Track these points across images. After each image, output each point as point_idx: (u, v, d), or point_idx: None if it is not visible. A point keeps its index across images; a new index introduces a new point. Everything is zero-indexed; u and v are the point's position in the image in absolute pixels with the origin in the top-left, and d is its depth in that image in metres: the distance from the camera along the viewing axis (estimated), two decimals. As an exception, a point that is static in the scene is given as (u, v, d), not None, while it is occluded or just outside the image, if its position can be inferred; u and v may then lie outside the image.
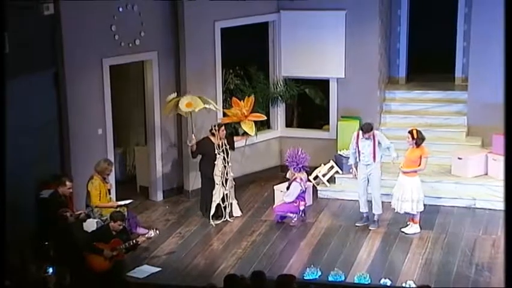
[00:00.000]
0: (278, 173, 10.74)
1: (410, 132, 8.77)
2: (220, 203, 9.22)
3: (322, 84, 10.79)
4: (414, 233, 8.73)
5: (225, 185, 9.19)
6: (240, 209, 9.49)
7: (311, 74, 10.70)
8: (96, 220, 8.27)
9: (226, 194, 9.24)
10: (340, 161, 10.19)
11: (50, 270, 7.10)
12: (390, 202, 8.98)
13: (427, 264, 8.05)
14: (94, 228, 8.12)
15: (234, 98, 9.71)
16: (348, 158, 10.24)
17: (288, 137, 10.78)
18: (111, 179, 9.00)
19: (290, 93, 10.80)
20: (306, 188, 9.26)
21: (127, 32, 9.25)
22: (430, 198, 9.54)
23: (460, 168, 9.86)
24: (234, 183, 9.36)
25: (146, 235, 7.95)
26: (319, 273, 7.74)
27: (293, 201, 9.07)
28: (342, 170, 10.16)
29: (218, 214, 9.27)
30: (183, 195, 10.20)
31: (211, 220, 9.19)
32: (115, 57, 9.21)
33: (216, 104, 10.12)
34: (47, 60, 8.52)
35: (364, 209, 9.08)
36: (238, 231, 9.07)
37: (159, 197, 10.10)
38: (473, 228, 8.87)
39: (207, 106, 9.22)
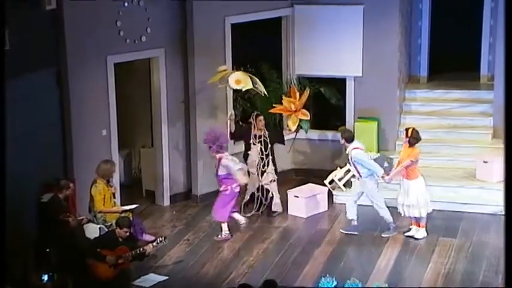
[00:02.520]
0: (292, 177, 10.76)
1: (406, 130, 8.85)
2: (255, 192, 9.48)
3: (339, 83, 10.76)
4: (422, 238, 8.75)
5: (260, 177, 9.36)
6: (282, 206, 9.64)
7: (326, 72, 10.69)
8: (99, 226, 8.32)
9: (262, 186, 9.43)
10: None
11: (45, 277, 7.13)
12: (396, 208, 9.03)
13: (450, 273, 8.04)
14: (96, 235, 8.16)
15: (293, 87, 9.86)
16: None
17: (302, 139, 10.80)
18: (116, 182, 9.05)
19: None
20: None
21: (133, 28, 9.30)
22: (453, 204, 9.52)
23: (485, 172, 9.83)
24: (275, 177, 9.52)
25: (154, 243, 7.98)
26: (335, 282, 7.73)
27: (224, 187, 8.91)
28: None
29: (252, 205, 9.49)
30: (191, 200, 10.24)
31: (242, 210, 9.38)
32: (120, 54, 9.27)
33: (227, 106, 10.17)
34: (49, 58, 8.60)
35: (351, 215, 9.07)
36: (249, 238, 9.09)
37: (166, 201, 10.14)
38: (499, 236, 8.83)
39: (256, 87, 9.33)
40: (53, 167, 8.69)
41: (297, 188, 9.94)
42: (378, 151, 10.47)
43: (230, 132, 9.58)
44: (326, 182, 10.02)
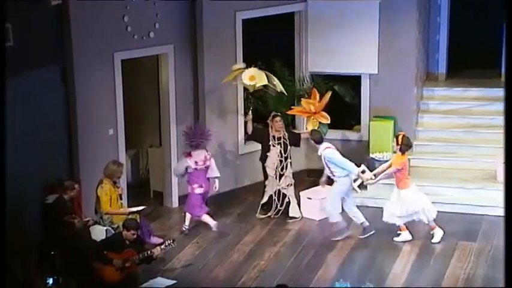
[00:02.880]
0: (304, 178, 10.70)
1: (396, 137, 8.78)
2: (273, 194, 9.46)
3: (353, 81, 10.73)
4: (439, 241, 8.69)
5: (278, 179, 9.37)
6: (300, 211, 9.57)
7: (341, 69, 10.65)
8: (105, 228, 8.30)
9: (279, 190, 9.40)
10: (372, 165, 10.10)
11: (50, 281, 7.12)
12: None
13: (470, 278, 7.97)
14: (103, 237, 8.15)
15: (314, 89, 9.83)
16: (381, 161, 10.18)
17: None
18: (123, 183, 9.03)
19: (317, 90, 10.74)
20: (203, 168, 9.12)
21: (141, 23, 9.28)
22: (472, 207, 9.42)
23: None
24: (293, 181, 9.51)
25: (162, 246, 7.94)
26: (349, 287, 7.68)
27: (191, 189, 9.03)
28: (374, 175, 10.05)
29: (268, 207, 9.51)
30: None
31: (258, 210, 9.35)
32: (127, 50, 9.25)
33: (237, 105, 10.11)
34: (54, 55, 8.59)
35: (360, 219, 9.01)
36: (260, 241, 9.05)
37: (175, 203, 10.11)
38: (521, 240, 8.72)
39: (270, 84, 9.24)
40: (58, 167, 8.68)
41: (310, 190, 9.89)
42: (394, 152, 10.38)
43: (247, 134, 9.48)
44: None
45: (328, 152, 8.94)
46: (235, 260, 8.58)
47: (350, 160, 9.16)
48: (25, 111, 8.12)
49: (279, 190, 9.49)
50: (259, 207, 9.59)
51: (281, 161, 9.35)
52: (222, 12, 9.85)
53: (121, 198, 8.72)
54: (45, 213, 8.01)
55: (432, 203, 9.66)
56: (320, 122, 9.81)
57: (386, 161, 10.08)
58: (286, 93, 9.85)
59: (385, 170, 8.86)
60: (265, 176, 9.56)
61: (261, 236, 9.17)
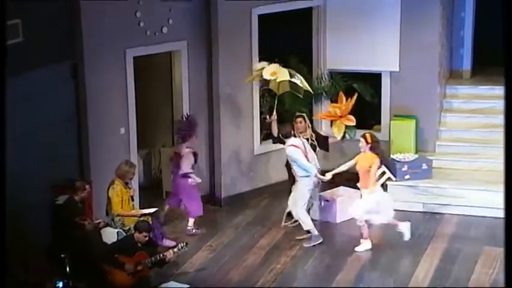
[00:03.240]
0: (322, 179, 10.64)
1: (364, 136, 8.67)
2: None
3: (373, 79, 10.68)
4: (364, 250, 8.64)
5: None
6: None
7: (360, 67, 10.60)
8: (117, 230, 8.29)
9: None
10: (393, 166, 10.05)
11: (60, 284, 7.12)
12: (436, 214, 9.07)
13: (495, 285, 7.86)
14: (114, 239, 8.14)
15: (340, 93, 9.68)
16: (403, 162, 10.09)
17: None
18: (134, 183, 9.02)
19: (336, 88, 10.69)
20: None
21: (153, 19, 9.26)
22: (497, 210, 9.29)
23: (533, 176, 9.60)
24: (320, 183, 9.24)
25: (175, 249, 7.92)
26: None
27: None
28: (395, 176, 10.02)
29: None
30: (214, 203, 10.17)
31: (284, 219, 9.21)
32: (140, 47, 9.24)
33: (253, 103, 10.06)
34: (64, 51, 8.60)
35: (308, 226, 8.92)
36: (277, 244, 9.01)
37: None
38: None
39: (293, 80, 9.09)
40: (68, 167, 8.69)
41: (328, 191, 9.83)
42: (416, 152, 10.33)
43: (273, 136, 9.35)
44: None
45: (289, 150, 8.84)
46: (251, 264, 8.55)
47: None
48: (34, 109, 8.14)
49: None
50: (285, 216, 9.27)
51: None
52: (238, 7, 9.82)
53: (133, 200, 8.71)
54: (55, 215, 8.02)
55: (455, 206, 9.61)
56: (346, 126, 9.58)
57: (408, 162, 10.03)
58: (312, 92, 9.67)
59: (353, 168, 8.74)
60: (292, 181, 9.21)
61: (277, 239, 9.13)
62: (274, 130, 9.37)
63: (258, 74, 9.36)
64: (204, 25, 9.78)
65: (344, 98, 9.63)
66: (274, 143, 9.44)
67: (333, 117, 9.66)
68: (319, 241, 8.89)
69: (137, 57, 9.31)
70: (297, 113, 9.54)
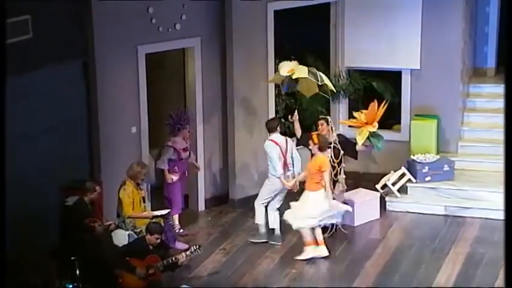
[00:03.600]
0: (339, 180, 10.61)
1: (311, 136, 8.65)
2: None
3: (393, 77, 10.65)
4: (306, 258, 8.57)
5: (332, 187, 8.98)
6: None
7: (380, 64, 10.56)
8: (128, 232, 8.30)
9: (334, 198, 9.00)
10: (413, 168, 10.01)
11: (70, 287, 7.14)
12: (459, 217, 9.01)
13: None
14: (125, 241, 8.15)
15: (373, 103, 9.28)
16: (424, 163, 10.03)
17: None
18: (146, 185, 9.02)
19: (354, 86, 10.67)
20: (183, 158, 9.15)
21: (166, 15, 9.26)
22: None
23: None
24: (345, 187, 9.19)
25: (188, 252, 7.92)
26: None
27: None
28: (415, 178, 9.97)
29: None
30: (228, 204, 10.17)
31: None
32: (152, 44, 9.24)
33: (268, 102, 10.01)
34: (74, 48, 8.61)
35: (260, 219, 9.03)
36: (292, 248, 8.98)
37: (201, 206, 10.09)
38: None
39: (310, 78, 8.88)
40: (78, 167, 8.70)
41: (346, 193, 9.76)
42: (437, 153, 10.26)
43: (296, 137, 9.26)
44: (378, 186, 9.87)
45: (267, 144, 8.88)
46: (265, 268, 8.53)
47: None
48: (43, 108, 8.17)
49: (334, 199, 8.91)
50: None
51: (334, 167, 8.97)
52: (253, 2, 9.80)
53: (144, 201, 8.72)
54: (64, 216, 8.04)
55: (478, 209, 9.53)
56: (372, 134, 9.19)
57: (429, 163, 9.97)
58: (335, 91, 9.52)
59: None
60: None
61: (292, 243, 9.10)
62: (297, 131, 9.29)
63: (278, 76, 9.17)
64: (218, 21, 9.77)
65: (376, 105, 9.18)
66: (297, 145, 9.28)
67: (358, 123, 9.29)
68: (263, 240, 8.94)
69: (149, 54, 9.31)
70: (320, 116, 9.40)
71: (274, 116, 9.67)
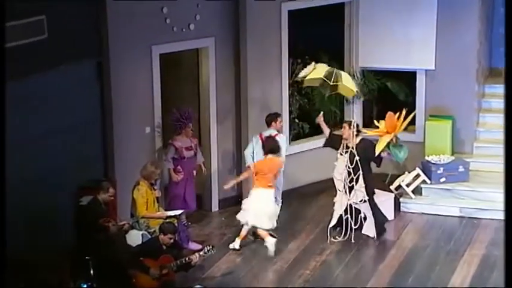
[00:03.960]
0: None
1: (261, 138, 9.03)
2: (343, 214, 9.00)
3: (408, 77, 10.61)
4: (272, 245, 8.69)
5: (348, 193, 8.97)
6: (377, 229, 9.05)
7: (394, 64, 10.53)
8: (142, 232, 8.32)
9: (350, 205, 8.99)
10: (428, 169, 9.97)
11: (84, 286, 7.17)
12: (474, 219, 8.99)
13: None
14: (139, 242, 8.17)
15: (389, 113, 9.08)
16: (438, 164, 9.97)
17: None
18: (160, 185, 9.04)
19: (369, 87, 10.63)
20: (186, 157, 9.19)
21: (180, 15, 9.28)
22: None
23: None
24: (366, 197, 8.96)
25: (201, 253, 7.93)
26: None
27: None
28: (430, 179, 9.93)
29: (340, 228, 9.08)
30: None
31: (328, 234, 9.04)
32: (166, 44, 9.25)
33: (282, 102, 10.00)
34: (89, 48, 8.65)
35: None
36: (306, 249, 8.98)
37: (215, 207, 10.10)
38: None
39: (327, 79, 8.77)
40: (92, 167, 8.74)
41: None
42: (452, 154, 10.21)
43: (326, 139, 9.22)
44: (392, 187, 9.83)
45: (255, 138, 9.12)
46: (279, 269, 8.53)
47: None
48: (57, 108, 8.21)
49: (351, 205, 8.97)
50: (329, 231, 9.05)
51: (349, 173, 8.89)
52: (267, 2, 9.79)
53: (158, 202, 8.73)
54: (79, 216, 8.07)
55: (493, 210, 9.47)
56: (394, 144, 8.97)
57: (444, 164, 9.92)
58: (358, 93, 9.44)
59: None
60: (335, 190, 9.12)
61: (306, 244, 9.10)
62: (325, 131, 9.25)
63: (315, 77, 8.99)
64: (232, 21, 9.78)
65: (393, 115, 9.01)
66: (324, 146, 9.26)
67: (379, 133, 9.09)
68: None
69: (163, 54, 9.33)
70: (345, 119, 9.22)
71: (276, 112, 9.57)
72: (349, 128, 8.97)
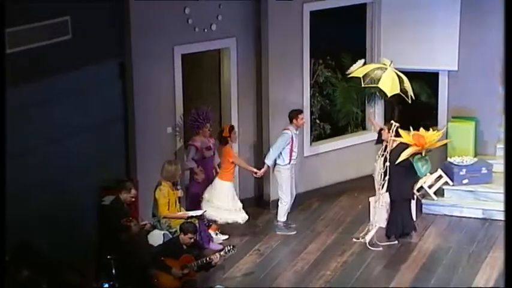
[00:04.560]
0: (373, 183, 10.53)
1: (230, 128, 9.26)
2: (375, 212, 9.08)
3: (430, 78, 10.55)
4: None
5: (380, 194, 8.98)
6: (388, 237, 9.01)
7: (416, 65, 10.46)
8: (163, 232, 8.37)
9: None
10: (450, 170, 9.91)
11: (106, 286, 7.22)
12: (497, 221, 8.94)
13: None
14: (160, 242, 8.21)
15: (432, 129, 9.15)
16: (461, 166, 9.90)
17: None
18: (182, 185, 9.07)
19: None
20: (207, 157, 9.29)
21: (202, 15, 9.32)
22: None
23: None
24: (385, 198, 8.96)
25: (222, 253, 7.95)
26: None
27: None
28: (452, 180, 9.88)
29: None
30: (262, 206, 10.18)
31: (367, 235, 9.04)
32: (188, 44, 9.30)
33: (303, 103, 9.99)
34: (112, 48, 8.71)
35: (285, 217, 9.37)
36: (327, 249, 8.98)
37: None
38: None
39: (363, 81, 8.90)
40: (114, 166, 8.79)
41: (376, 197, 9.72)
42: (475, 155, 10.14)
43: (378, 134, 9.18)
44: (414, 189, 9.77)
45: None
46: (300, 270, 8.53)
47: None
48: (80, 108, 8.27)
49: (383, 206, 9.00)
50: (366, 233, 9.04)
51: (381, 175, 8.88)
52: (289, 3, 9.80)
53: (179, 202, 8.77)
54: (102, 216, 8.13)
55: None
56: (419, 157, 8.83)
57: (466, 165, 9.86)
58: (413, 97, 9.35)
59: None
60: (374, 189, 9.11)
61: (327, 244, 9.10)
62: (376, 128, 9.30)
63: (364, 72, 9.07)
64: (253, 22, 9.79)
65: (424, 132, 8.94)
66: (376, 143, 9.26)
67: (407, 141, 8.94)
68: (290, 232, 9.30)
69: (185, 54, 9.37)
70: (391, 123, 9.05)
71: (298, 109, 9.59)
72: (388, 132, 8.94)
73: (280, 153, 9.23)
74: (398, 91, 9.05)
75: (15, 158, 7.37)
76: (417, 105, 10.62)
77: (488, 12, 9.94)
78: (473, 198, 9.75)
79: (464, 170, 9.83)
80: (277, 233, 9.34)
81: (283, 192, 9.35)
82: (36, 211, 7.67)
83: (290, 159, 9.27)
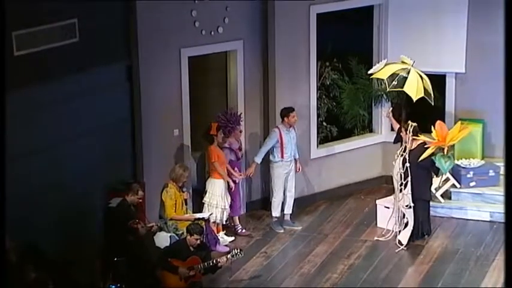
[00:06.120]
0: (381, 185, 10.55)
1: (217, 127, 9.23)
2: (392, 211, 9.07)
3: (437, 80, 10.49)
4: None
5: (398, 195, 8.94)
6: (411, 237, 8.93)
7: (423, 67, 10.36)
8: (170, 234, 8.39)
9: (398, 208, 8.94)
10: (457, 173, 9.88)
11: (113, 287, 7.24)
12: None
13: None
14: (167, 244, 8.23)
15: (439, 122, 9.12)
16: (468, 168, 9.88)
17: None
18: (188, 187, 9.10)
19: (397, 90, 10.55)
20: (240, 158, 9.47)
21: (209, 18, 9.34)
22: None
23: None
24: (411, 204, 8.82)
25: (228, 255, 7.96)
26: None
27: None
28: (459, 183, 9.85)
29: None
30: (269, 208, 10.17)
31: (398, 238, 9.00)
32: (195, 47, 9.32)
33: (309, 105, 10.00)
34: (119, 51, 8.74)
35: (277, 212, 9.46)
36: (334, 252, 8.98)
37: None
38: None
39: (387, 84, 8.88)
40: (121, 168, 8.83)
41: (388, 198, 9.73)
42: (483, 158, 10.12)
43: (397, 133, 9.18)
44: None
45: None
46: (306, 272, 8.53)
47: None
48: (87, 110, 8.31)
49: (399, 208, 8.94)
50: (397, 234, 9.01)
51: (401, 175, 8.82)
52: (296, 5, 9.81)
53: (186, 204, 8.79)
54: (108, 218, 8.16)
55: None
56: (443, 154, 8.89)
57: (474, 168, 9.84)
58: (431, 102, 9.33)
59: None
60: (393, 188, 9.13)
61: (333, 247, 9.10)
62: (395, 126, 9.29)
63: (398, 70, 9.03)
64: (260, 24, 9.81)
65: (444, 127, 9.01)
66: (394, 142, 9.26)
67: (431, 140, 9.03)
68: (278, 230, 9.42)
69: (192, 57, 9.40)
70: (412, 123, 9.05)
71: (289, 107, 9.59)
72: (406, 132, 8.90)
73: (272, 150, 9.34)
74: (422, 94, 9.01)
75: (22, 160, 7.42)
76: (424, 108, 10.62)
77: (496, 13, 9.91)
78: (480, 201, 9.73)
79: (471, 173, 9.82)
80: (272, 228, 9.50)
81: (274, 189, 9.47)
82: (44, 212, 7.70)
83: (282, 156, 9.32)
